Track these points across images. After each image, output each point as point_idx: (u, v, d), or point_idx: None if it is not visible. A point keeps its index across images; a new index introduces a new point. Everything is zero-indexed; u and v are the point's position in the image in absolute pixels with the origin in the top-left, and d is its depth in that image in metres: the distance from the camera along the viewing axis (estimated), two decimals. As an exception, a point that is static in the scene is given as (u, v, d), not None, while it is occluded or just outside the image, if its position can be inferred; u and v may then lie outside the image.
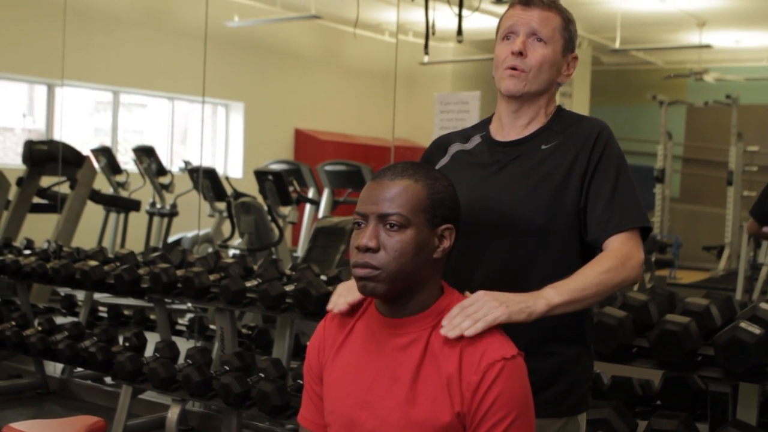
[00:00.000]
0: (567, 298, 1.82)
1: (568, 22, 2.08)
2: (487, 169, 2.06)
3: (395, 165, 1.77)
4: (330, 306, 1.89)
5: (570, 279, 1.86)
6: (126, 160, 10.77)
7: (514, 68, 2.03)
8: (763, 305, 2.93)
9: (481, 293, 1.75)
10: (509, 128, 2.09)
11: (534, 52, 2.03)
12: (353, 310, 1.86)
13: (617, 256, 1.91)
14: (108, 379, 5.23)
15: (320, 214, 9.08)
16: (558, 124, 2.07)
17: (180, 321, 5.83)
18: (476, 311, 1.71)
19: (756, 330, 2.73)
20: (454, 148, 2.15)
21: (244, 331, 5.27)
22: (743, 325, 2.76)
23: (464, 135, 2.18)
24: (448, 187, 1.77)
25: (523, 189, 2.00)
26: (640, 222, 1.98)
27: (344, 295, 1.88)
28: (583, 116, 2.12)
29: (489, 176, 2.05)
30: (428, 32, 6.85)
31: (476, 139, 2.14)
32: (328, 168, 9.45)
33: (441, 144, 2.20)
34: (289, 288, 4.01)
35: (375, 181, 1.75)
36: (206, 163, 11.68)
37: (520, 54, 2.02)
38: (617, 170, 2.00)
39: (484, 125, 2.17)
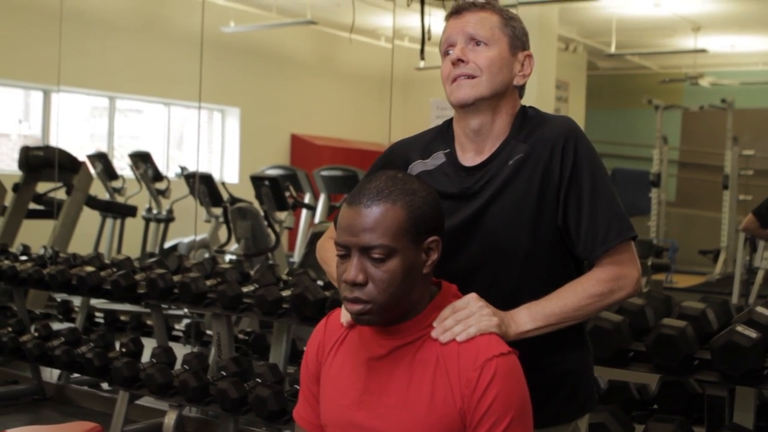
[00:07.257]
0: (540, 323, 1.78)
1: (508, 18, 1.95)
2: (455, 200, 1.92)
3: (369, 184, 1.67)
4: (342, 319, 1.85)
5: (549, 300, 1.81)
6: (122, 165, 10.76)
7: (460, 77, 1.92)
8: (759, 309, 2.93)
9: (473, 297, 1.73)
10: (473, 150, 1.95)
11: (476, 55, 1.91)
12: None
13: (606, 280, 1.84)
14: (105, 385, 5.24)
15: (316, 220, 9.09)
16: (522, 130, 1.93)
17: (177, 326, 5.83)
18: (468, 317, 1.69)
19: (752, 334, 2.74)
20: (416, 168, 1.99)
21: (240, 336, 5.27)
22: (739, 328, 2.76)
23: (425, 148, 2.01)
24: (427, 197, 1.69)
25: (500, 216, 1.89)
26: (626, 234, 1.86)
27: None
28: (547, 117, 1.97)
29: (459, 207, 1.91)
30: (424, 37, 6.85)
31: (439, 157, 1.98)
32: (324, 173, 9.45)
33: (400, 156, 2.03)
34: (285, 293, 4.01)
35: (351, 208, 1.66)
36: (202, 168, 11.66)
37: (461, 61, 1.91)
38: (592, 178, 1.88)
39: (447, 137, 2.01)
